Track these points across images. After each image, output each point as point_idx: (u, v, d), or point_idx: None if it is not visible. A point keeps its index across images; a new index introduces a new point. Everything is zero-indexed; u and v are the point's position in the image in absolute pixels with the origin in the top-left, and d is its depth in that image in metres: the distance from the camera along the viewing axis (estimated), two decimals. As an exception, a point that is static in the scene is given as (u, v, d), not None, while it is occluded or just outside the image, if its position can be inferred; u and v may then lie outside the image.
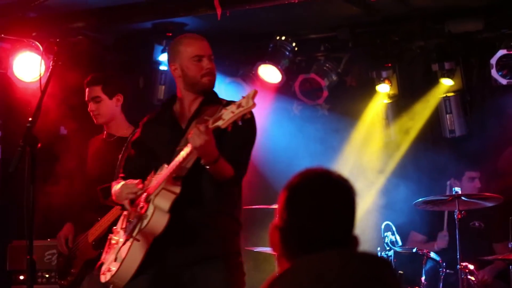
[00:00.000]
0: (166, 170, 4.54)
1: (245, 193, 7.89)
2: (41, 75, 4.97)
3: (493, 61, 7.57)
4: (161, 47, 8.61)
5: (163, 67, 8.76)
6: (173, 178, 4.54)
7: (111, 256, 4.72)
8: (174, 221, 4.49)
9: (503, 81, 7.58)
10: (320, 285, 2.35)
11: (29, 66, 7.55)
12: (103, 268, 4.78)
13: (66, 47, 4.82)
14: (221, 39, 8.61)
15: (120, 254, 4.59)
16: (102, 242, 5.81)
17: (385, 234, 6.94)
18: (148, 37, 8.58)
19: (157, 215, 4.48)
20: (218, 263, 4.66)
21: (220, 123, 4.30)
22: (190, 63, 4.77)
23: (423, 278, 6.84)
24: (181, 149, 4.55)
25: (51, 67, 4.69)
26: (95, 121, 6.16)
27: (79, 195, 6.13)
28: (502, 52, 7.55)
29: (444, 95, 8.29)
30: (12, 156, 4.54)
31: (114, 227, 4.93)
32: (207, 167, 4.48)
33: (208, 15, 7.40)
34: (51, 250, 7.17)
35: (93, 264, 5.90)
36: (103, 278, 4.71)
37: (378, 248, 7.02)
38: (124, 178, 4.78)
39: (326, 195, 2.53)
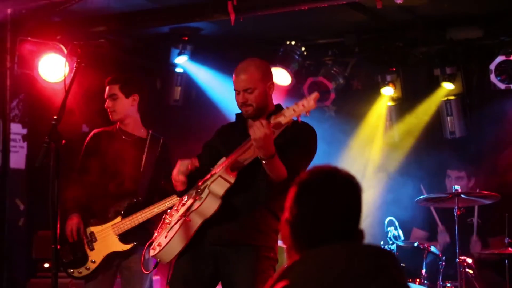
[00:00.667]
0: (225, 160, 4.74)
1: None
2: (65, 75, 4.99)
3: (492, 66, 7.55)
4: (177, 50, 8.65)
5: (179, 70, 8.81)
6: (231, 168, 4.68)
7: (163, 233, 4.91)
8: (223, 206, 4.67)
9: (502, 86, 7.56)
10: (328, 276, 2.34)
11: (53, 67, 7.55)
12: (154, 243, 4.96)
13: (89, 50, 4.80)
14: (234, 43, 8.76)
15: (171, 231, 4.78)
16: (130, 236, 5.99)
17: (388, 229, 6.91)
18: (165, 41, 8.62)
19: (210, 199, 4.67)
20: (250, 251, 4.76)
21: (281, 119, 4.45)
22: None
23: (423, 271, 6.77)
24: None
25: (74, 68, 4.69)
26: (110, 117, 6.18)
27: (92, 186, 6.09)
28: (500, 58, 7.53)
29: (445, 98, 8.30)
30: (37, 152, 4.53)
31: (169, 210, 5.10)
32: (263, 161, 4.56)
33: (222, 20, 7.39)
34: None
35: (118, 256, 6.03)
36: (152, 252, 4.89)
37: (382, 242, 6.99)
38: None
39: (334, 190, 2.53)
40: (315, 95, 4.37)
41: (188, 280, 4.83)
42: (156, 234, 5.06)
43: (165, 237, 4.84)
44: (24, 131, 7.87)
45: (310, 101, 4.34)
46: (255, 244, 4.80)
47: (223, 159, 4.82)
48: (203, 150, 5.14)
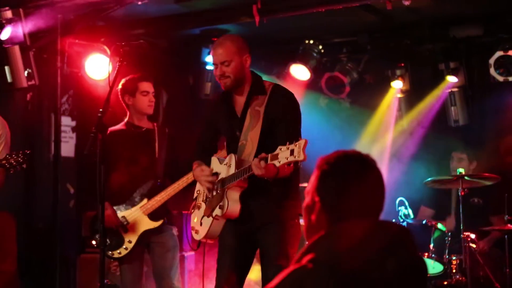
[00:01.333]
0: (236, 176, 4.77)
1: None
2: (109, 73, 5.03)
3: (492, 61, 7.66)
4: (207, 50, 8.64)
5: (209, 67, 8.74)
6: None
7: (197, 217, 5.13)
8: (243, 201, 4.84)
9: (500, 78, 7.66)
10: (352, 249, 2.26)
11: (98, 66, 7.60)
12: (193, 225, 5.17)
13: (130, 50, 4.84)
14: (259, 42, 8.56)
15: (205, 225, 4.98)
16: (158, 214, 6.06)
17: (399, 208, 7.01)
18: (196, 41, 8.62)
19: (232, 205, 4.80)
20: (272, 227, 4.87)
21: (276, 163, 4.39)
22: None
23: (431, 246, 6.89)
24: (241, 135, 4.88)
25: (117, 66, 4.74)
26: (151, 111, 6.28)
27: (118, 175, 6.17)
28: (499, 53, 7.63)
29: (450, 90, 8.34)
30: (85, 141, 4.61)
31: (198, 190, 5.26)
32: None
33: (247, 22, 7.45)
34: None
35: (151, 233, 6.09)
36: (196, 236, 5.09)
37: (393, 220, 7.06)
38: (199, 143, 5.17)
39: (360, 171, 2.46)
40: (304, 142, 4.28)
41: (233, 254, 4.99)
42: (192, 211, 5.25)
43: (200, 224, 5.04)
44: (73, 123, 7.92)
45: (300, 152, 4.26)
46: (277, 220, 4.87)
47: (233, 158, 4.85)
48: (206, 126, 5.22)
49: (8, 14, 6.72)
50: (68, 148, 7.75)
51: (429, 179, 7.19)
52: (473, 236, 6.85)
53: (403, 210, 7.06)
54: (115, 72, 4.75)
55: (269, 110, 4.84)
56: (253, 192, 4.84)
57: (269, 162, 4.45)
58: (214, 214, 4.89)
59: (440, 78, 8.34)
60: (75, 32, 7.55)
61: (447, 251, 6.91)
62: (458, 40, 8.19)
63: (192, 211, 5.26)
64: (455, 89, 8.34)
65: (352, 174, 2.44)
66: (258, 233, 4.95)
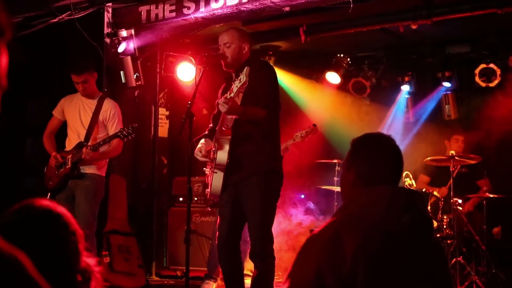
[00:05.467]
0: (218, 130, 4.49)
1: (317, 152, 7.95)
2: (195, 77, 5.11)
3: (477, 71, 7.53)
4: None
5: None
6: (224, 129, 4.47)
7: (215, 179, 4.66)
8: (231, 154, 4.44)
9: (483, 84, 7.54)
10: (377, 207, 2.22)
11: (187, 72, 7.66)
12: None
13: (211, 59, 4.75)
14: (302, 55, 8.66)
15: (209, 182, 4.57)
16: None
17: (405, 179, 6.90)
18: (256, 54, 8.36)
19: (220, 155, 4.44)
20: (252, 180, 4.44)
21: (232, 94, 4.22)
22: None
23: (428, 208, 6.80)
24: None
25: (201, 72, 4.70)
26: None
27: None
28: (482, 66, 7.51)
29: (444, 92, 8.25)
30: (177, 126, 4.73)
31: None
32: (238, 117, 4.35)
33: (295, 39, 7.47)
34: (197, 184, 7.31)
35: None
36: (207, 195, 4.73)
37: None
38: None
39: (384, 147, 2.41)
40: (246, 70, 4.09)
41: (227, 206, 4.55)
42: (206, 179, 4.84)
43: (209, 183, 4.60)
44: (167, 113, 7.99)
45: (244, 77, 4.06)
46: (257, 172, 4.44)
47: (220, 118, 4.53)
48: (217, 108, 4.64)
49: (123, 33, 6.84)
50: (163, 130, 7.78)
51: (428, 158, 7.11)
52: (460, 201, 6.79)
53: (408, 181, 6.92)
54: (200, 76, 4.72)
55: (251, 78, 4.29)
56: (240, 141, 4.47)
57: (228, 96, 4.24)
58: (213, 166, 4.52)
59: (438, 84, 8.26)
60: (170, 47, 7.64)
61: (440, 211, 6.85)
62: (452, 55, 8.11)
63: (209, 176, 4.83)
64: (449, 92, 8.24)
65: (376, 149, 2.40)
66: (240, 184, 4.50)
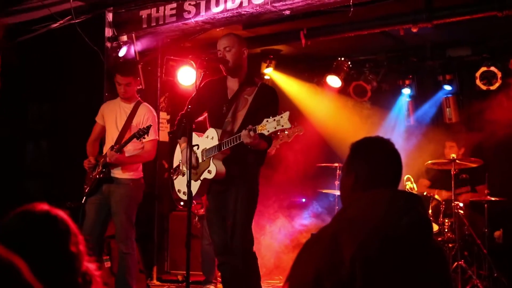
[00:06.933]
0: (222, 145, 4.50)
1: (318, 155, 7.91)
2: (195, 81, 5.08)
3: (477, 74, 7.52)
4: (265, 64, 8.65)
5: (267, 77, 8.72)
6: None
7: (181, 183, 4.78)
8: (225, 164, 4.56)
9: (484, 87, 7.53)
10: (376, 210, 2.21)
11: (187, 76, 7.68)
12: (179, 187, 4.85)
13: (210, 63, 4.73)
14: (303, 58, 8.71)
15: (193, 187, 4.51)
16: None
17: (406, 183, 6.91)
18: (258, 57, 8.61)
19: (220, 168, 4.54)
20: (238, 186, 4.58)
21: (265, 132, 4.20)
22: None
23: (430, 211, 6.81)
24: (227, 113, 4.58)
25: (201, 76, 4.68)
26: None
27: None
28: (483, 69, 7.50)
29: (445, 95, 8.24)
30: (177, 130, 4.66)
31: (180, 159, 4.89)
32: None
33: (295, 43, 7.51)
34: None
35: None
36: (183, 196, 4.79)
37: None
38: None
39: (379, 151, 2.40)
40: (287, 114, 4.10)
41: (214, 210, 4.69)
42: (175, 177, 4.90)
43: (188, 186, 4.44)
44: (168, 116, 7.99)
45: (286, 122, 4.08)
46: (240, 179, 4.58)
47: (214, 132, 4.56)
48: (197, 95, 4.60)
49: (124, 38, 6.86)
50: (163, 134, 7.74)
51: (429, 161, 7.09)
52: (461, 204, 6.77)
53: (409, 185, 6.93)
54: (200, 79, 4.72)
55: (256, 100, 4.54)
56: (234, 158, 4.57)
57: (258, 132, 4.22)
58: (202, 177, 4.59)
59: (439, 87, 8.26)
60: (171, 51, 7.66)
61: (441, 215, 6.83)
62: (452, 59, 8.13)
63: (175, 177, 4.94)
64: (450, 95, 8.24)
65: (375, 153, 2.39)
66: (227, 191, 4.62)
